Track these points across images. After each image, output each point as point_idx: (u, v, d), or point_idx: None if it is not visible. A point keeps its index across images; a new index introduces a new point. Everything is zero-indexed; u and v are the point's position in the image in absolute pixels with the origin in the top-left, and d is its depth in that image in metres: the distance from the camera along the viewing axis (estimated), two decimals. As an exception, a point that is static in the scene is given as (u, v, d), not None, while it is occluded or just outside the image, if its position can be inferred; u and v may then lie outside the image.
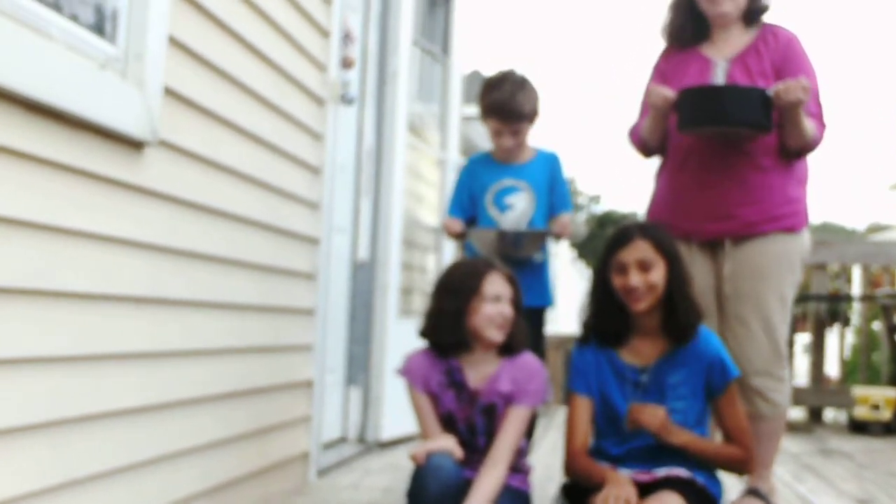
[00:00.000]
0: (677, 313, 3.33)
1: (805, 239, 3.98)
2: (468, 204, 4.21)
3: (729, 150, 3.87)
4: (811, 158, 4.00)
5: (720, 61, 3.98)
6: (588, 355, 3.43)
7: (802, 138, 3.82)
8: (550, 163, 4.18)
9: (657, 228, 3.42)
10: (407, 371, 3.45)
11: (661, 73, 4.12)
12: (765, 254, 3.88)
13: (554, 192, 4.14)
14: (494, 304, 3.36)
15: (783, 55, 3.95)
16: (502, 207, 4.10)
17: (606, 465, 3.29)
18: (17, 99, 2.43)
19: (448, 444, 3.25)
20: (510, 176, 4.13)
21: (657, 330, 3.37)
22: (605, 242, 3.45)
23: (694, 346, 3.36)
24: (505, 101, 4.05)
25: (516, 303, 3.42)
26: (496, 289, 3.38)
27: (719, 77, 3.95)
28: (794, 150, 3.88)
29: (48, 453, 2.66)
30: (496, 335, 3.35)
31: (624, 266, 3.32)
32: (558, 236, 4.09)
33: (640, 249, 3.32)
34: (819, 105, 3.90)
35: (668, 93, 3.81)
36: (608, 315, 3.41)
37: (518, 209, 4.10)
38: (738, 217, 3.87)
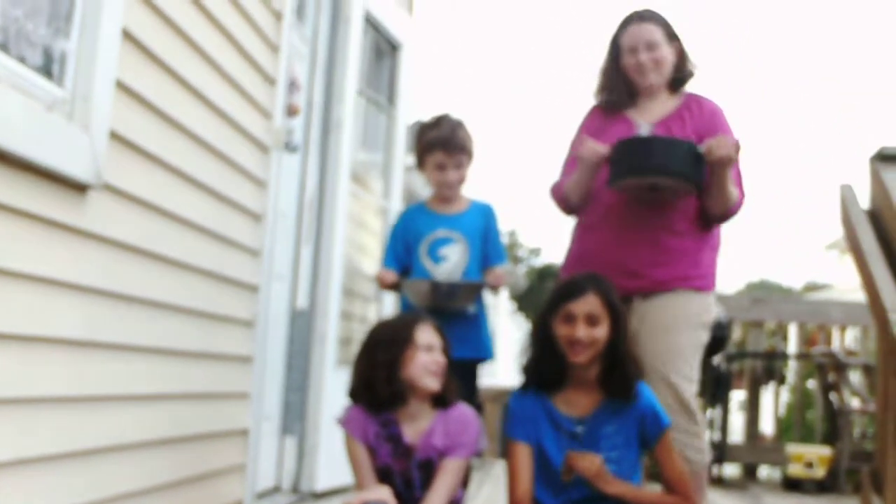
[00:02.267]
0: (619, 370, 3.36)
1: (711, 302, 4.05)
2: (403, 254, 4.21)
3: (648, 211, 3.95)
4: (737, 221, 4.07)
5: (644, 124, 4.09)
6: (527, 403, 3.45)
7: (726, 203, 3.92)
8: (485, 214, 4.20)
9: (608, 285, 3.47)
10: (347, 421, 3.44)
11: (588, 131, 4.18)
12: (670, 308, 3.94)
13: (488, 243, 4.17)
14: (428, 352, 3.38)
15: (707, 124, 4.05)
16: (436, 259, 4.11)
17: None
18: (-39, 138, 2.41)
19: (383, 495, 3.24)
20: (444, 226, 4.14)
21: (594, 382, 3.40)
22: (555, 290, 3.49)
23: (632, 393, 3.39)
24: (448, 134, 4.11)
25: (446, 353, 3.44)
26: (428, 338, 3.41)
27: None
28: (716, 216, 3.97)
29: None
30: (432, 383, 3.37)
31: (572, 317, 3.36)
32: (493, 288, 4.12)
33: (591, 304, 3.37)
34: (739, 173, 3.98)
35: (601, 147, 3.89)
36: (547, 362, 3.43)
37: (452, 261, 4.11)
38: (648, 276, 3.95)
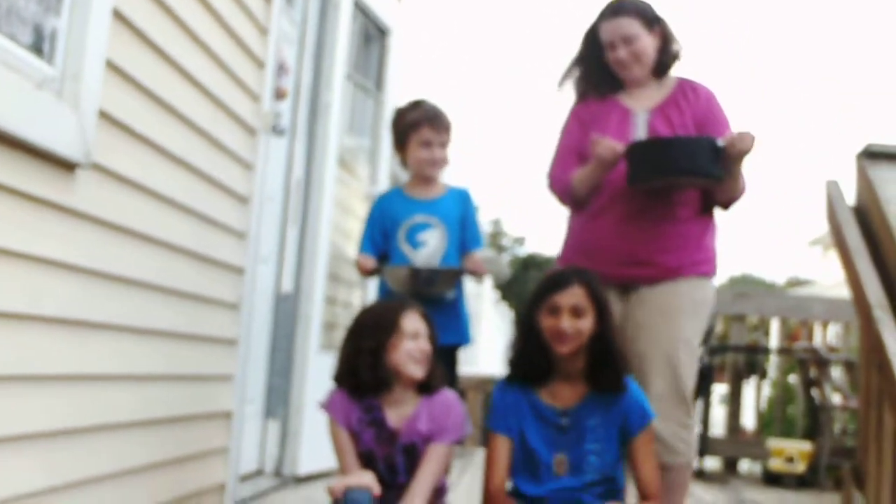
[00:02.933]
0: (606, 362, 3.37)
1: (713, 289, 4.06)
2: (380, 240, 4.22)
3: (652, 199, 3.92)
4: (727, 211, 4.07)
5: (640, 112, 4.05)
6: (509, 396, 3.46)
7: (734, 192, 3.92)
8: (462, 199, 4.20)
9: (593, 277, 3.47)
10: (329, 405, 3.45)
11: (580, 120, 4.15)
12: (677, 295, 3.92)
13: (466, 228, 4.16)
14: (413, 340, 3.38)
15: (704, 111, 4.03)
16: (415, 244, 4.12)
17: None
18: (-50, 114, 2.40)
19: (366, 480, 3.25)
20: (422, 212, 4.14)
21: (579, 374, 3.41)
22: (540, 282, 3.50)
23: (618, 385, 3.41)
24: (433, 111, 4.15)
25: (432, 340, 3.44)
26: (414, 325, 3.41)
27: (640, 128, 4.01)
28: (722, 203, 3.95)
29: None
30: (416, 371, 3.38)
31: (557, 308, 3.37)
32: (473, 274, 4.11)
33: (576, 296, 3.38)
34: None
35: (617, 145, 3.84)
36: (533, 354, 3.44)
37: (431, 246, 4.11)
38: (655, 264, 3.93)
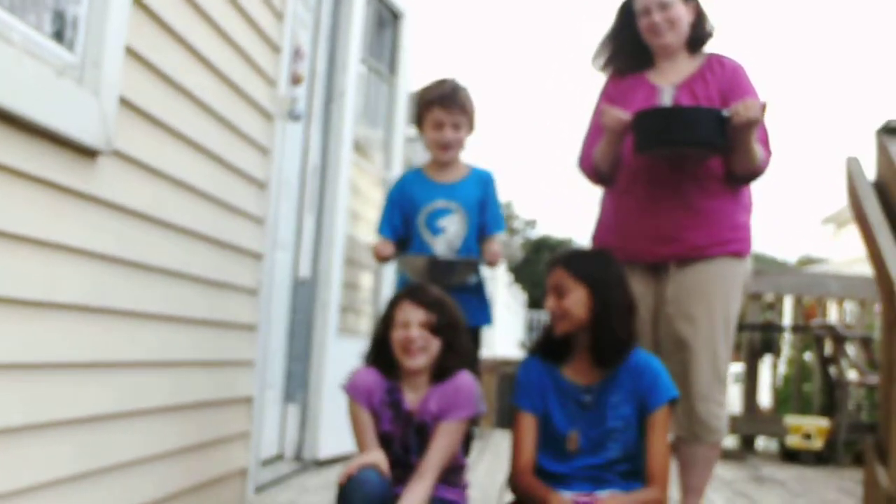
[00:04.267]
0: (604, 339, 3.38)
1: (748, 266, 4.03)
2: (399, 223, 4.13)
3: (677, 174, 3.90)
4: (749, 184, 4.02)
5: (666, 87, 4.03)
6: (533, 372, 3.48)
7: (751, 163, 3.85)
8: (484, 181, 4.10)
9: (578, 258, 3.50)
10: (352, 386, 3.46)
11: (609, 97, 4.14)
12: (710, 276, 3.90)
13: (486, 211, 4.08)
14: (403, 329, 3.40)
15: (729, 83, 4.00)
16: (435, 230, 4.05)
17: (549, 484, 3.32)
18: (-26, 102, 2.41)
19: (375, 458, 3.27)
20: (443, 196, 4.07)
21: (589, 352, 3.43)
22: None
23: (634, 367, 3.42)
24: (447, 91, 4.04)
25: (440, 328, 3.43)
26: (404, 315, 3.43)
27: (666, 101, 3.99)
28: (742, 176, 3.90)
29: (-9, 462, 2.62)
30: (407, 361, 3.41)
31: (547, 290, 3.45)
32: (490, 264, 4.06)
33: (557, 276, 3.43)
34: (766, 132, 3.92)
35: (623, 114, 3.84)
36: (552, 341, 3.47)
37: (451, 232, 4.04)
38: (684, 240, 3.90)
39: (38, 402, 2.83)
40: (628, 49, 4.17)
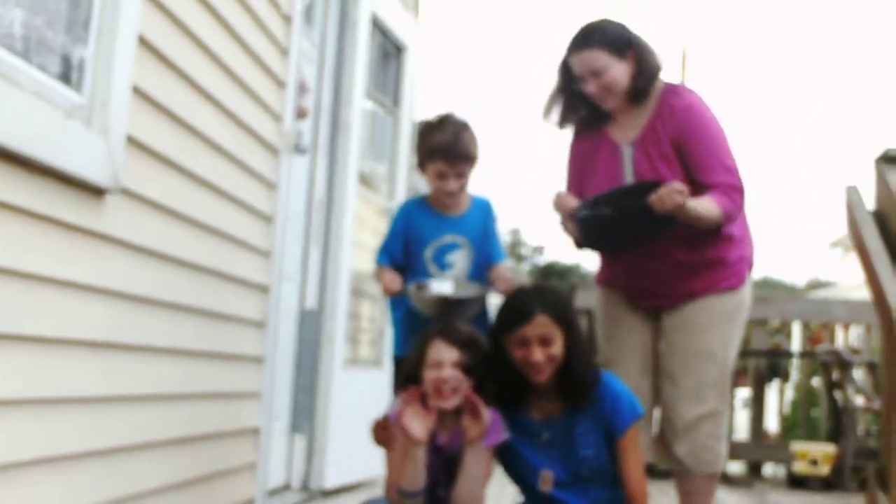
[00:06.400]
0: (573, 377, 3.38)
1: (744, 295, 3.98)
2: (399, 253, 4.03)
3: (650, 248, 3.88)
4: (748, 209, 3.95)
5: (626, 147, 3.94)
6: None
7: (706, 224, 3.75)
8: (484, 211, 4.05)
9: (555, 299, 3.47)
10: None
11: (576, 159, 4.11)
12: (701, 311, 3.90)
13: (488, 241, 4.02)
14: (435, 369, 3.38)
15: (680, 128, 3.86)
16: (443, 266, 3.97)
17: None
18: (-15, 145, 2.46)
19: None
20: (451, 232, 3.98)
21: (555, 390, 3.43)
22: (503, 310, 3.51)
23: (595, 392, 3.41)
24: (450, 142, 3.87)
25: (472, 367, 3.41)
26: (436, 355, 3.39)
27: (627, 166, 3.92)
28: (710, 231, 3.81)
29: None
30: (439, 403, 3.37)
31: (526, 341, 3.36)
32: (505, 293, 3.99)
33: (542, 325, 3.36)
34: (727, 168, 3.83)
35: (571, 202, 3.87)
36: (508, 382, 3.45)
37: (458, 267, 3.95)
38: (676, 293, 3.93)
39: (49, 436, 2.87)
40: (579, 103, 4.04)
